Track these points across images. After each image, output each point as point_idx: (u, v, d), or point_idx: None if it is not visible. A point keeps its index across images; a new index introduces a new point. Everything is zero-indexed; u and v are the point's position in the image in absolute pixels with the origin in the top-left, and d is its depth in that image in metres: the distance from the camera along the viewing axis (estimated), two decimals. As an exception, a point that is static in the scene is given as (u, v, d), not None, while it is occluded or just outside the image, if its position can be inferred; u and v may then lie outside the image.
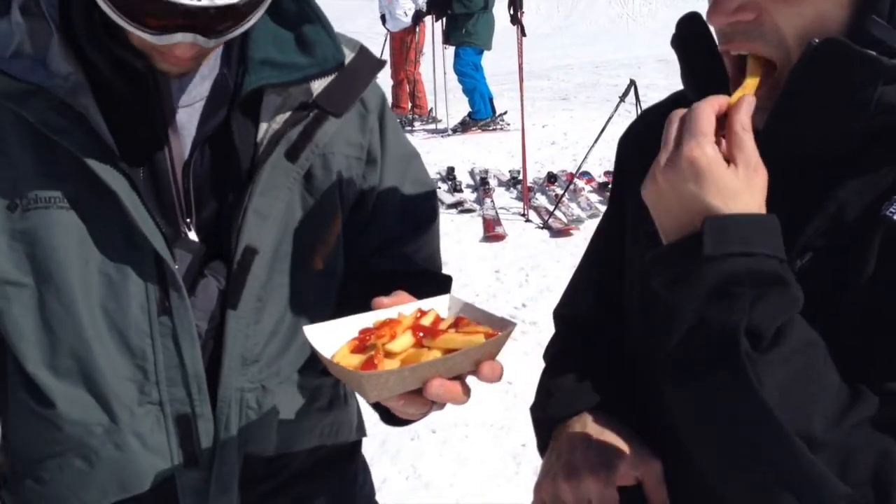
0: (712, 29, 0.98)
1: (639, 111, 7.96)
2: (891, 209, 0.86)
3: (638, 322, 1.12)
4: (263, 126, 1.15)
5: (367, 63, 1.21)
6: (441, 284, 1.30)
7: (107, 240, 1.09)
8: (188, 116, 1.13)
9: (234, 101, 1.14)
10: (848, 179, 0.89)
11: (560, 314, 1.33)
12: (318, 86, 1.16)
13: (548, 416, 1.16)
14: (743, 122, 0.84)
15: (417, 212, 1.33)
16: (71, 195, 1.08)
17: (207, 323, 1.16)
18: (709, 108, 0.84)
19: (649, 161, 0.89)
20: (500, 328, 0.94)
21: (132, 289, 1.11)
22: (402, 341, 0.93)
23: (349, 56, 1.19)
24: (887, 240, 0.85)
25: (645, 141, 1.05)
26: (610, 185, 1.31)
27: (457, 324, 0.98)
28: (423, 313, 0.99)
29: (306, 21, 1.16)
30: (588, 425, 1.10)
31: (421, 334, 0.95)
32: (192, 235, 1.14)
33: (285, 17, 1.15)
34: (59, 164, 1.06)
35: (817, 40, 0.86)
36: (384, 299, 1.01)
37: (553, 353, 1.29)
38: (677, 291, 0.84)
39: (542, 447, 1.16)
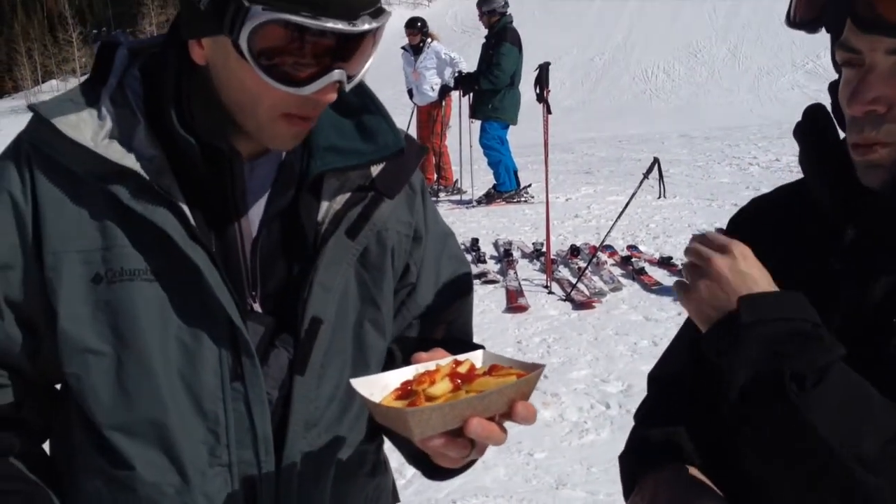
0: (836, 122, 1.14)
1: (662, 188, 8.11)
2: None
3: None
4: (325, 206, 1.23)
5: (413, 150, 1.31)
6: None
7: (185, 309, 1.16)
8: (257, 197, 1.22)
9: (301, 184, 1.23)
10: None
11: (654, 376, 1.41)
12: (374, 170, 1.25)
13: (635, 463, 1.24)
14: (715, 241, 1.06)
15: (454, 284, 1.42)
16: (154, 267, 1.15)
17: (278, 391, 1.22)
18: (717, 234, 1.08)
19: (762, 234, 1.17)
20: (531, 371, 1.03)
21: (207, 355, 1.16)
22: (442, 386, 1.02)
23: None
24: None
25: (764, 215, 1.28)
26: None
27: (491, 371, 1.07)
28: (458, 363, 1.09)
29: (366, 111, 1.26)
30: (674, 474, 1.18)
31: (458, 381, 1.03)
32: (257, 307, 1.21)
33: (347, 108, 1.24)
34: (144, 238, 1.14)
35: None
36: (423, 354, 1.11)
37: (644, 410, 1.36)
38: (726, 358, 1.00)
39: (627, 493, 1.25)
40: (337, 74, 1.08)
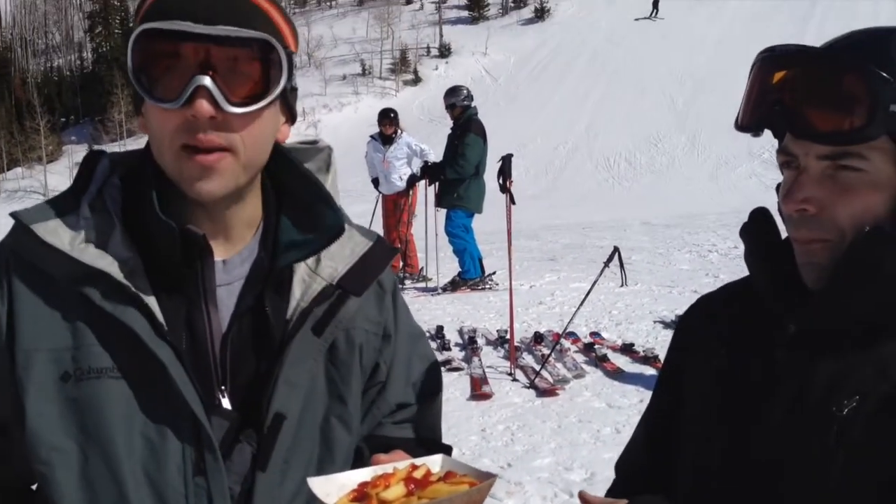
0: (778, 221, 1.23)
1: (624, 276, 8.31)
2: None
3: (690, 469, 1.28)
4: (293, 303, 1.28)
5: (383, 251, 1.38)
6: (442, 453, 1.44)
7: (150, 405, 1.19)
8: (228, 294, 1.27)
9: (267, 280, 1.28)
10: (889, 342, 1.11)
11: (618, 467, 1.48)
12: (341, 269, 1.31)
13: None
14: None
15: (424, 385, 1.47)
16: (121, 365, 1.18)
17: (240, 485, 1.23)
18: None
19: (712, 329, 1.31)
20: (484, 480, 1.07)
21: (171, 451, 1.18)
22: (395, 491, 1.05)
23: (367, 244, 1.35)
24: None
25: (713, 311, 1.37)
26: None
27: (446, 477, 1.10)
28: (415, 468, 1.12)
29: (314, 202, 1.30)
30: None
31: (412, 486, 1.07)
32: (226, 402, 1.24)
33: (300, 203, 1.31)
34: (113, 337, 1.17)
35: (868, 228, 1.09)
36: (382, 456, 1.15)
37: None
38: None
39: None
40: (202, 80, 1.10)
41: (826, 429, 1.09)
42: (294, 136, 1.38)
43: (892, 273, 1.08)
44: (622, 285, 8.82)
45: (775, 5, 45.82)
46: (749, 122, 1.18)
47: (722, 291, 1.40)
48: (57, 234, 1.18)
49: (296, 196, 1.32)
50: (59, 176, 49.69)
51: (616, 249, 6.63)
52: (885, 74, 1.06)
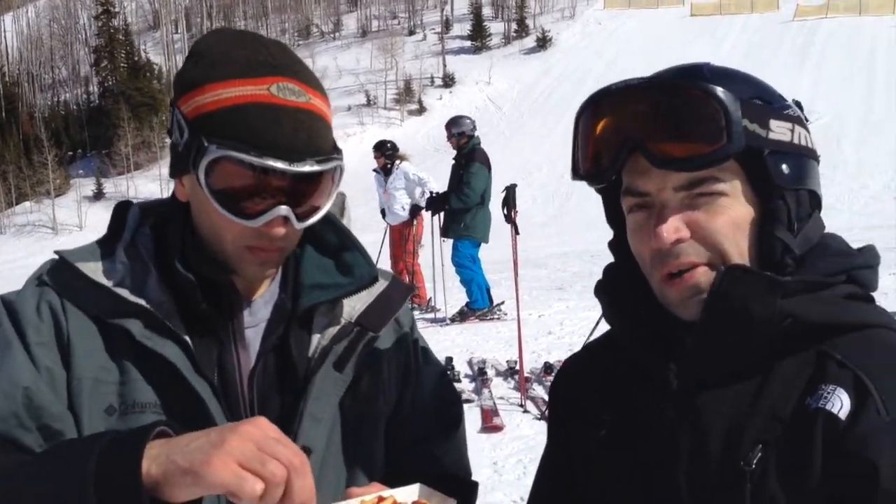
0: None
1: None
2: (812, 400, 1.02)
3: None
4: (315, 340, 1.34)
5: (399, 289, 1.44)
6: (467, 489, 1.47)
7: None
8: (254, 334, 1.33)
9: (290, 320, 1.34)
10: (772, 380, 1.06)
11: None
12: (358, 308, 1.37)
13: None
14: None
15: (445, 417, 1.51)
16: (163, 400, 1.23)
17: None
18: None
19: (589, 396, 1.26)
20: None
21: None
22: None
23: (384, 284, 1.41)
24: (826, 430, 0.99)
25: (586, 376, 1.31)
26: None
27: None
28: (382, 499, 1.14)
29: (345, 249, 1.39)
30: None
31: None
32: None
33: (327, 247, 1.39)
34: (154, 372, 1.23)
35: (724, 266, 1.06)
36: (355, 489, 1.18)
37: None
38: None
39: None
40: (283, 210, 1.19)
41: (739, 486, 1.04)
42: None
43: (762, 313, 1.04)
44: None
45: (774, 36, 46.02)
46: (602, 167, 1.13)
47: (587, 353, 1.38)
48: (98, 273, 1.25)
49: (321, 241, 1.39)
50: (66, 210, 49.95)
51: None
52: (731, 94, 1.04)
